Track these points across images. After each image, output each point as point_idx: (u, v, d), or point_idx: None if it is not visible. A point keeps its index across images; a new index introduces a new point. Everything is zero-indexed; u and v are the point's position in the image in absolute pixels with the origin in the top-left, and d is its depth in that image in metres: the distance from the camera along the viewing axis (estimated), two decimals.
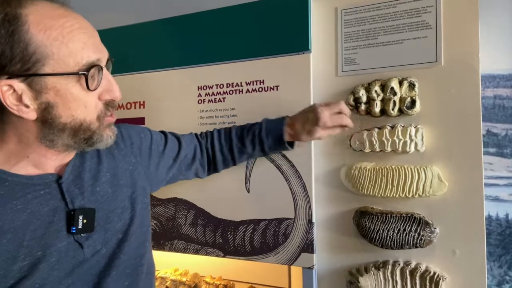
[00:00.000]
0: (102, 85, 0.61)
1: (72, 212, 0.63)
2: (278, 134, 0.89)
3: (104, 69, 0.61)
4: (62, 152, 0.63)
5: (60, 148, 0.62)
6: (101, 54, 0.61)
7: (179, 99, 1.10)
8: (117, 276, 0.68)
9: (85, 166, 0.69)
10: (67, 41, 0.56)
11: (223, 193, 1.06)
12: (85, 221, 0.64)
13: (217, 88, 1.06)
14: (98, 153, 0.73)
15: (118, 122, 1.15)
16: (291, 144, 0.90)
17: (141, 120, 1.15)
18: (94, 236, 0.66)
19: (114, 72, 1.22)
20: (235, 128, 0.94)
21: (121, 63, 1.16)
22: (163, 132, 0.91)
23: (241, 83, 1.03)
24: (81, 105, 0.59)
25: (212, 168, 0.96)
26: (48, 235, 0.61)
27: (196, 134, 0.97)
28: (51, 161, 0.64)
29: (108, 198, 0.70)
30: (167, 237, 1.11)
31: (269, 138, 0.89)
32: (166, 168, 0.87)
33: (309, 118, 0.86)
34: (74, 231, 0.63)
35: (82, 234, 0.64)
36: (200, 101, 1.08)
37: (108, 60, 0.63)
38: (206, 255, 1.08)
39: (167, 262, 1.37)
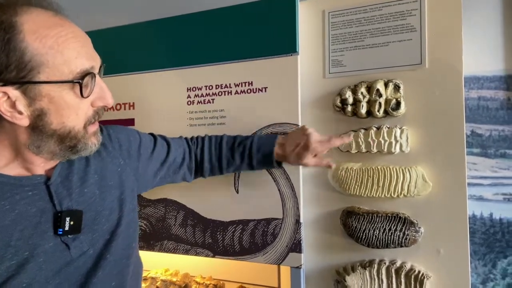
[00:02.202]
0: (95, 92, 0.62)
1: (59, 214, 0.63)
2: (268, 152, 0.89)
3: (97, 76, 0.62)
4: (49, 159, 0.64)
5: (46, 155, 0.62)
6: (95, 62, 0.62)
7: (168, 100, 1.11)
8: (104, 277, 0.69)
9: (73, 168, 0.70)
10: (62, 50, 0.57)
11: (213, 194, 1.07)
12: (72, 222, 0.64)
13: (206, 89, 1.07)
14: (86, 155, 0.73)
15: (108, 123, 1.17)
16: (279, 164, 0.92)
17: (131, 121, 1.16)
18: (81, 237, 0.66)
19: (104, 73, 1.23)
20: (227, 138, 0.94)
21: (111, 65, 1.16)
22: (152, 135, 0.91)
23: (230, 84, 1.04)
24: (73, 112, 0.60)
25: (199, 174, 0.97)
26: (36, 235, 0.61)
27: (186, 139, 0.97)
28: (39, 166, 0.65)
29: (96, 199, 0.71)
30: (157, 237, 1.12)
31: (259, 154, 0.90)
32: (153, 171, 0.88)
33: (300, 141, 0.86)
34: (61, 233, 0.63)
35: (69, 236, 0.64)
36: (189, 102, 1.09)
37: (100, 66, 0.64)
38: (195, 255, 1.08)
39: (158, 263, 1.38)
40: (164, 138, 0.92)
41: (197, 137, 0.98)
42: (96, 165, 0.74)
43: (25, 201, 0.62)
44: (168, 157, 0.90)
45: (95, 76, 0.61)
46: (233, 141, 0.94)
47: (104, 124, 1.15)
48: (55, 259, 0.63)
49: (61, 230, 0.63)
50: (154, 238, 1.13)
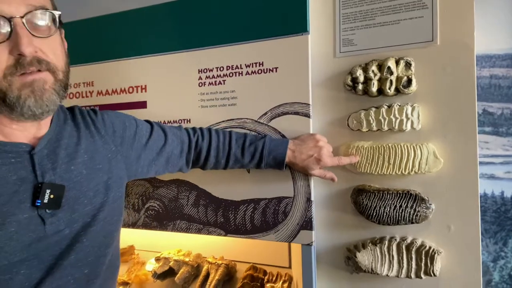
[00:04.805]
0: (12, 39, 0.58)
1: (39, 185, 0.62)
2: (280, 157, 0.92)
3: (17, 22, 0.58)
4: (16, 120, 0.62)
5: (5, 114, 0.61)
6: (11, 6, 0.57)
7: (180, 82, 1.12)
8: (76, 262, 0.67)
9: (61, 143, 0.69)
10: None
11: (224, 174, 1.08)
12: (52, 196, 0.62)
13: (217, 71, 1.08)
14: (78, 134, 0.73)
15: (120, 106, 1.18)
16: (286, 167, 0.95)
17: (143, 104, 1.17)
18: (59, 214, 0.64)
19: (116, 56, 1.24)
20: (236, 136, 0.95)
21: (122, 48, 1.18)
22: (150, 123, 0.90)
23: (240, 65, 1.05)
24: None
25: (199, 166, 0.98)
26: (11, 204, 0.60)
27: (187, 129, 0.96)
28: (17, 131, 0.64)
29: (82, 179, 0.69)
30: (170, 217, 1.14)
31: (270, 157, 0.92)
32: (148, 160, 0.87)
33: (312, 153, 0.91)
34: (39, 204, 0.61)
35: (47, 210, 0.63)
36: (200, 84, 1.10)
37: (28, 13, 0.59)
38: (208, 234, 1.10)
39: (171, 244, 1.40)
40: (161, 127, 0.91)
41: (200, 129, 0.97)
42: (87, 145, 0.73)
43: (6, 167, 0.60)
44: (164, 147, 0.89)
45: (10, 21, 0.57)
46: (244, 139, 0.95)
47: (117, 107, 1.19)
48: (27, 232, 0.61)
49: (39, 201, 0.61)
50: (167, 218, 1.15)
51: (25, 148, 0.63)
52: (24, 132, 0.65)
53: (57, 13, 0.64)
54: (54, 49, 0.64)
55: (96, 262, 0.71)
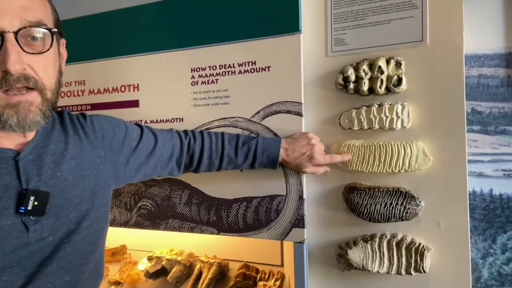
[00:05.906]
0: (1, 53, 0.57)
1: (24, 191, 0.61)
2: (273, 155, 0.93)
3: (8, 37, 0.56)
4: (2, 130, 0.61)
5: None
6: (4, 19, 0.56)
7: (173, 81, 1.12)
8: (58, 269, 0.66)
9: (48, 149, 0.68)
10: None
11: (217, 173, 1.08)
12: (36, 203, 0.62)
13: (210, 69, 1.08)
14: (66, 139, 0.72)
15: (113, 105, 1.18)
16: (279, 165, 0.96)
17: (135, 103, 1.17)
18: (43, 221, 0.64)
19: (109, 55, 1.24)
20: (228, 137, 0.96)
21: (115, 46, 1.18)
22: (140, 127, 0.89)
23: (233, 64, 1.06)
24: None
25: (192, 169, 0.97)
26: None
27: (178, 132, 0.95)
28: (3, 138, 0.63)
29: (68, 185, 0.68)
30: (163, 216, 1.14)
31: (264, 156, 0.93)
32: (137, 164, 0.86)
33: (305, 151, 0.92)
34: (23, 211, 0.61)
35: (31, 217, 0.62)
36: (193, 83, 1.10)
37: (22, 29, 0.58)
38: (200, 233, 1.11)
39: (163, 243, 1.40)
40: (152, 131, 0.91)
41: (192, 132, 0.97)
42: (75, 151, 0.72)
43: None
44: (154, 151, 0.88)
45: (2, 35, 0.56)
46: (236, 140, 0.95)
47: (109, 106, 1.18)
48: (11, 239, 0.60)
49: (22, 208, 0.61)
50: (160, 217, 1.15)
51: (10, 154, 0.63)
52: (10, 138, 0.64)
53: (54, 30, 0.63)
54: (45, 66, 0.62)
55: (77, 269, 0.70)
